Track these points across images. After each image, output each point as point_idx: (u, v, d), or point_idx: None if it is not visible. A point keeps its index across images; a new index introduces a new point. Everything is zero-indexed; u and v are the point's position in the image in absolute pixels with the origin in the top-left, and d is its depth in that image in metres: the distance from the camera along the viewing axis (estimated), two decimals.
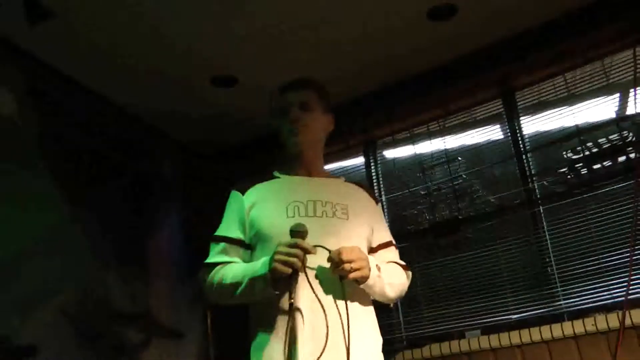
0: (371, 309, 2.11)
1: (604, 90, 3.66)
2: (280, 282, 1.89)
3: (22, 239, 3.18)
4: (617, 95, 3.63)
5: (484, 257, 3.75)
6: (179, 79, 3.94)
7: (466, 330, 3.64)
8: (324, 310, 1.89)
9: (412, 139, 4.28)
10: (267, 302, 1.97)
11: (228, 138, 4.70)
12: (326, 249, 1.93)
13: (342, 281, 1.92)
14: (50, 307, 3.25)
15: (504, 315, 3.58)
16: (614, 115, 3.56)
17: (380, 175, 4.36)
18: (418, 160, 4.18)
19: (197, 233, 4.28)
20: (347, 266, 1.89)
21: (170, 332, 4.06)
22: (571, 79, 3.77)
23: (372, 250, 2.21)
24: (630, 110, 3.53)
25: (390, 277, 2.11)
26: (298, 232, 1.91)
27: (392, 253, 2.28)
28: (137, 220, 4.08)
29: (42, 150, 3.49)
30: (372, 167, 4.38)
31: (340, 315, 1.90)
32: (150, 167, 4.37)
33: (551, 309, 3.44)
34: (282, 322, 1.92)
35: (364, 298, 2.06)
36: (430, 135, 4.20)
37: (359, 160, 4.46)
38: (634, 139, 3.42)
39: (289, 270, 1.85)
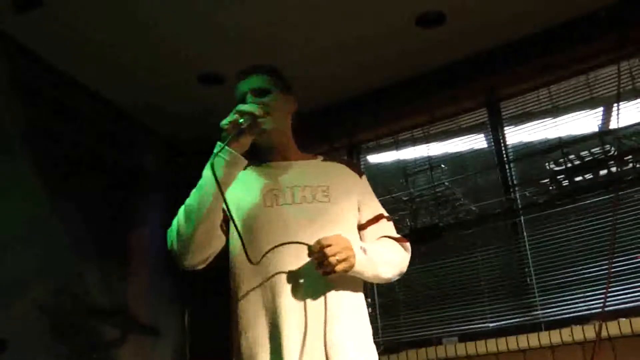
0: (360, 296, 1.97)
1: (588, 104, 3.70)
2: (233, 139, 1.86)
3: None
4: (601, 109, 3.67)
5: (464, 265, 3.77)
6: (166, 75, 3.93)
7: (443, 337, 3.65)
8: (305, 306, 1.82)
9: (396, 145, 4.29)
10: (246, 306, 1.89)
11: (214, 136, 4.66)
12: (303, 243, 1.81)
13: (328, 275, 1.80)
14: (25, 300, 3.20)
15: (481, 323, 3.59)
16: (596, 129, 3.60)
17: None
18: (401, 166, 4.19)
19: None
20: (332, 260, 1.76)
21: (146, 329, 4.03)
22: (556, 92, 3.80)
23: (361, 227, 2.08)
24: (613, 124, 3.57)
25: (382, 255, 1.98)
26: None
27: (385, 226, 2.12)
28: (118, 215, 4.05)
29: (24, 141, 3.45)
30: None
31: (325, 308, 1.82)
32: (134, 161, 4.34)
33: (529, 318, 3.46)
34: (263, 320, 1.84)
35: (351, 284, 1.93)
36: (415, 141, 4.21)
37: None
38: (615, 153, 3.45)
39: (240, 119, 1.85)
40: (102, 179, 3.98)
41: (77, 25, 3.43)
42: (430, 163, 4.07)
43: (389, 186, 4.15)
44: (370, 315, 3.75)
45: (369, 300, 3.85)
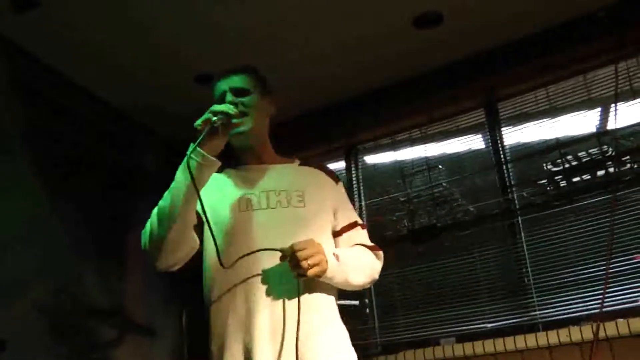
0: (332, 299, 1.97)
1: (585, 104, 3.70)
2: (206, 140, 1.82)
3: None
4: (598, 109, 3.67)
5: (462, 266, 3.77)
6: (166, 75, 3.93)
7: (441, 338, 3.65)
8: (278, 307, 1.82)
9: (394, 146, 4.29)
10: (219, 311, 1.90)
11: None
12: (276, 249, 1.82)
13: (300, 279, 1.81)
14: (25, 300, 3.20)
15: (479, 324, 3.60)
16: (594, 130, 3.60)
17: (360, 181, 4.35)
18: (399, 167, 4.19)
19: None
20: (304, 264, 1.76)
21: (143, 330, 4.03)
22: (553, 92, 3.81)
23: (337, 234, 2.09)
24: (610, 125, 3.57)
25: (354, 262, 1.99)
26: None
27: (359, 234, 2.13)
28: (118, 215, 4.04)
29: (24, 141, 3.46)
30: (353, 172, 4.38)
31: (299, 311, 1.80)
32: (134, 161, 4.35)
33: (526, 318, 3.47)
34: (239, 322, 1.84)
35: (324, 289, 1.93)
36: (412, 142, 4.21)
37: (340, 164, 4.45)
38: (613, 153, 3.46)
39: (213, 117, 1.82)
40: (102, 179, 3.98)
41: (75, 25, 3.43)
42: (428, 163, 4.08)
43: (387, 187, 4.16)
44: (368, 315, 3.78)
45: (366, 300, 3.87)
